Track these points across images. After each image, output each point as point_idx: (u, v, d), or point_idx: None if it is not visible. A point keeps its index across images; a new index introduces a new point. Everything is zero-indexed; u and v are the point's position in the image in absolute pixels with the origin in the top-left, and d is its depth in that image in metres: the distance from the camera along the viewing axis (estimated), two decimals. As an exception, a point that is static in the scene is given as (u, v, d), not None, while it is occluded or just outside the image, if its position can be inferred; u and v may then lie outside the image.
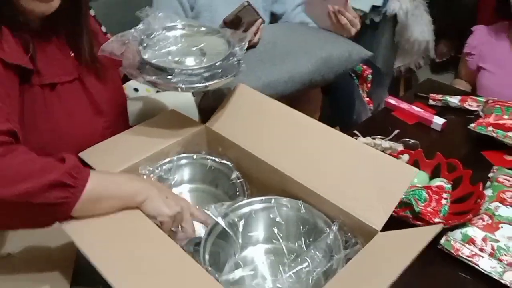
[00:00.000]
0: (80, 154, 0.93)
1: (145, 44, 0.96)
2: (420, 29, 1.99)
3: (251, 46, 1.31)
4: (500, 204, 0.99)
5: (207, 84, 0.91)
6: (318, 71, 1.29)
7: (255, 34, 1.31)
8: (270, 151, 0.92)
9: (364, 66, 1.78)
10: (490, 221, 0.95)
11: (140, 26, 0.96)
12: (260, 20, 1.32)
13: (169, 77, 0.90)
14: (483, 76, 1.74)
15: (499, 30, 1.74)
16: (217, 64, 0.93)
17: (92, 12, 1.54)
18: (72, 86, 0.92)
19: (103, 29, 1.55)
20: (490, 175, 1.13)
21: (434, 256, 0.95)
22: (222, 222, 0.81)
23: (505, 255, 0.90)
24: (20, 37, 0.83)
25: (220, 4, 1.46)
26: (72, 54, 0.94)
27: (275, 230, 0.88)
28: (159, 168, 0.95)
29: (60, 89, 0.90)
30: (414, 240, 0.72)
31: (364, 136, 1.26)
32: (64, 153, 0.74)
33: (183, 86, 0.89)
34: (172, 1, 1.45)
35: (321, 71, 1.30)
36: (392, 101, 1.44)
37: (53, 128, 0.88)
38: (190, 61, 0.97)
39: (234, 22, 1.28)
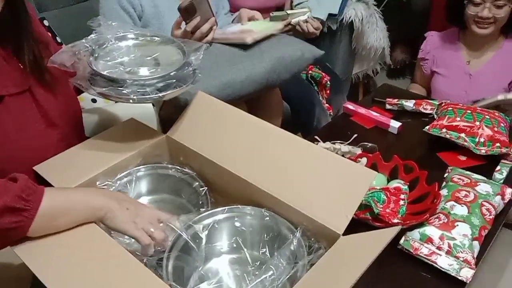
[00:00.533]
0: (36, 168, 0.90)
1: (96, 55, 0.93)
2: (376, 36, 2.05)
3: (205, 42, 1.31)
4: (455, 203, 1.02)
5: (160, 95, 0.89)
6: (273, 70, 1.29)
7: (207, 33, 1.31)
8: (232, 159, 0.92)
9: (323, 73, 1.82)
10: (446, 220, 0.98)
11: (92, 36, 0.93)
12: (213, 19, 1.32)
13: (120, 88, 0.87)
14: (437, 80, 1.81)
15: (451, 36, 1.82)
16: (171, 74, 0.91)
17: (46, 23, 1.50)
18: (22, 98, 0.89)
19: (58, 39, 1.52)
20: (445, 175, 1.17)
21: (395, 256, 0.97)
22: (185, 235, 0.80)
23: (461, 252, 0.93)
24: None
25: (166, 11, 1.46)
26: (21, 66, 0.91)
27: (239, 239, 0.88)
28: (118, 182, 0.93)
29: (8, 101, 0.87)
30: (374, 242, 0.73)
31: (324, 141, 1.28)
32: (16, 173, 0.72)
33: (135, 97, 0.86)
34: (119, 11, 1.43)
35: (276, 70, 1.31)
36: (351, 106, 1.47)
37: (4, 142, 0.84)
38: (143, 72, 0.95)
39: (189, 10, 1.26)
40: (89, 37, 0.93)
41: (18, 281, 0.82)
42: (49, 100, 0.94)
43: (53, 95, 0.95)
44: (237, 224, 0.88)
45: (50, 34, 1.50)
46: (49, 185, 0.86)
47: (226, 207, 0.87)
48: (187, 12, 1.27)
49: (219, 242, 0.88)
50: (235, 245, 0.88)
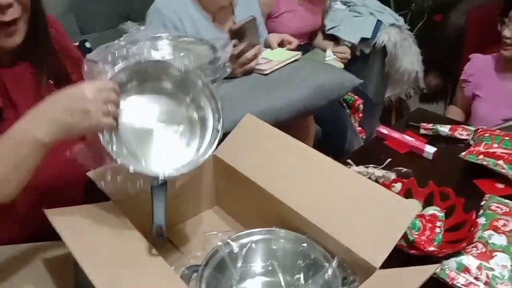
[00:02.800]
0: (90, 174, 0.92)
1: (129, 54, 0.91)
2: (409, 59, 2.05)
3: (248, 71, 1.33)
4: (493, 232, 1.00)
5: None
6: (312, 98, 1.31)
7: (252, 59, 1.33)
8: (272, 181, 0.93)
9: (356, 97, 1.82)
10: (484, 249, 0.96)
11: (124, 36, 0.95)
12: (259, 46, 1.35)
13: None
14: (478, 104, 1.77)
15: (495, 59, 1.77)
16: (204, 65, 0.92)
17: (87, 44, 1.57)
18: None
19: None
20: (482, 203, 1.14)
21: (429, 285, 0.94)
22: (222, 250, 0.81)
23: (500, 284, 0.90)
24: None
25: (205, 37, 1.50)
26: (52, 81, 0.94)
27: (274, 263, 0.88)
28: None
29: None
30: (412, 277, 0.71)
31: (357, 165, 1.27)
32: None
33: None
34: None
35: (315, 98, 1.33)
36: (384, 130, 1.46)
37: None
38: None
39: (238, 34, 1.30)
40: (121, 38, 0.94)
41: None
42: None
43: None
44: (274, 246, 0.88)
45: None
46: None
47: (264, 229, 0.88)
48: (236, 35, 1.30)
49: (254, 263, 0.88)
50: (270, 268, 0.88)
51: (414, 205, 0.81)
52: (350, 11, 2.09)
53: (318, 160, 0.94)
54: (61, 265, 0.88)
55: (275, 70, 1.34)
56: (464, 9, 2.30)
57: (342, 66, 1.88)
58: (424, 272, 0.69)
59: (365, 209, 0.83)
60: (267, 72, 1.31)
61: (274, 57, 1.40)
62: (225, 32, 1.47)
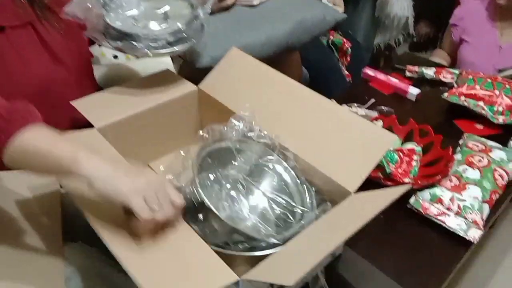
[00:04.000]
0: (73, 103, 0.94)
1: (108, 7, 0.95)
2: (400, 4, 2.02)
3: (226, 8, 1.31)
4: (468, 167, 1.03)
5: (175, 49, 0.91)
6: (294, 33, 1.29)
7: None
8: (255, 113, 0.93)
9: (344, 39, 1.80)
10: (458, 182, 1.00)
11: None
12: None
13: (134, 42, 0.90)
14: (465, 48, 1.76)
15: (486, 5, 1.75)
16: (181, 28, 0.93)
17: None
18: (24, 31, 0.92)
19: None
20: (460, 142, 1.17)
21: (404, 216, 0.99)
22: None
23: (470, 213, 0.94)
24: None
25: None
26: (23, 1, 0.92)
27: (254, 188, 0.91)
28: None
29: (10, 33, 0.89)
30: (382, 198, 0.74)
31: (341, 104, 1.28)
32: (24, 100, 0.68)
33: (150, 51, 0.89)
34: None
35: (298, 33, 1.30)
36: (370, 71, 1.46)
37: (10, 72, 0.87)
38: (154, 26, 0.97)
39: None
40: None
41: (50, 218, 0.86)
42: (54, 37, 0.97)
43: (58, 33, 0.97)
44: (254, 173, 0.90)
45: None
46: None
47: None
48: None
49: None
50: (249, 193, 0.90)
51: (391, 135, 0.83)
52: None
53: (300, 92, 0.96)
54: (45, 188, 0.90)
55: (264, 2, 1.31)
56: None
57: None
58: (394, 192, 0.72)
59: (344, 139, 0.85)
60: (256, 2, 1.29)
61: None
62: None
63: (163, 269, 0.61)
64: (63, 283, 0.76)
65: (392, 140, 0.82)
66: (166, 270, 0.61)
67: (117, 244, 0.65)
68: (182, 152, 0.85)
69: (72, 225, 0.87)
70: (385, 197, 0.71)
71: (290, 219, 0.82)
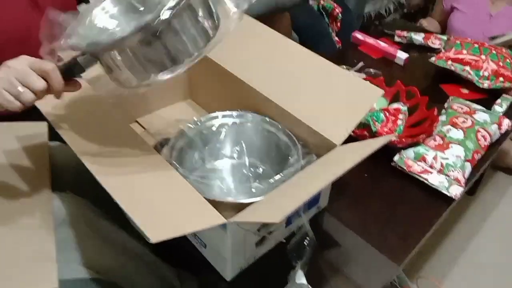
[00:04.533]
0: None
1: None
2: (392, -29, 2.01)
3: None
4: (452, 127, 1.05)
5: None
6: None
7: None
8: (244, 69, 0.94)
9: (335, 4, 1.79)
10: (441, 142, 1.02)
11: None
12: None
13: None
14: (455, 16, 1.77)
15: None
16: None
17: None
18: None
19: None
20: (445, 105, 1.19)
21: (388, 173, 1.01)
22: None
23: (453, 171, 0.97)
24: None
25: None
26: None
27: (243, 145, 0.92)
28: None
29: None
30: (364, 148, 0.76)
31: (329, 66, 1.29)
32: None
33: None
34: None
35: None
36: (359, 35, 1.47)
37: None
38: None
39: None
40: None
41: (37, 167, 0.86)
42: None
43: None
44: (242, 129, 0.91)
45: None
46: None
47: (234, 112, 0.91)
48: None
49: (222, 144, 0.92)
50: (238, 150, 0.92)
51: (377, 89, 0.84)
52: None
53: (289, 47, 0.96)
54: (33, 139, 0.90)
55: None
56: None
57: None
58: (376, 142, 0.73)
59: (331, 94, 0.86)
60: None
61: None
62: None
63: (155, 209, 0.63)
64: (52, 230, 0.77)
65: (379, 94, 0.83)
66: (158, 210, 0.62)
67: (109, 184, 0.65)
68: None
69: (60, 176, 0.88)
70: (367, 147, 0.73)
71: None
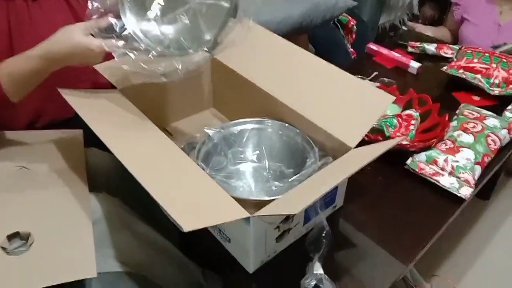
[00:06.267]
0: (97, 67, 1.00)
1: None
2: (405, -16, 2.08)
3: None
4: (462, 132, 1.10)
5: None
6: (308, 15, 1.39)
7: None
8: (265, 79, 1.01)
9: (350, 17, 1.86)
10: (452, 145, 1.07)
11: None
12: None
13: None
14: (466, 27, 1.82)
15: None
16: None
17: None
18: (54, 0, 0.99)
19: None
20: (457, 111, 1.24)
21: (402, 176, 1.06)
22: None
23: (463, 173, 1.02)
24: None
25: None
26: None
27: (263, 149, 0.99)
28: None
29: (42, 2, 0.97)
30: (377, 149, 0.82)
31: (345, 76, 1.35)
32: None
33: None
34: None
35: (311, 16, 1.40)
36: (373, 46, 1.53)
37: (39, 38, 0.93)
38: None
39: None
40: None
41: (75, 170, 0.94)
42: (81, 5, 1.02)
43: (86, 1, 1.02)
44: (263, 135, 0.98)
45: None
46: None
47: (255, 119, 0.98)
48: None
49: (246, 148, 0.99)
50: (258, 153, 0.98)
51: (388, 96, 0.90)
52: None
53: (306, 59, 1.03)
54: (70, 146, 0.99)
55: None
56: None
57: None
58: (387, 144, 0.79)
59: (346, 101, 0.93)
60: None
61: None
62: None
63: (186, 204, 0.69)
64: (91, 227, 0.84)
65: (390, 100, 0.89)
66: (189, 205, 0.69)
67: (145, 182, 0.72)
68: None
69: (95, 178, 0.96)
70: (379, 148, 0.79)
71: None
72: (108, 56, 0.86)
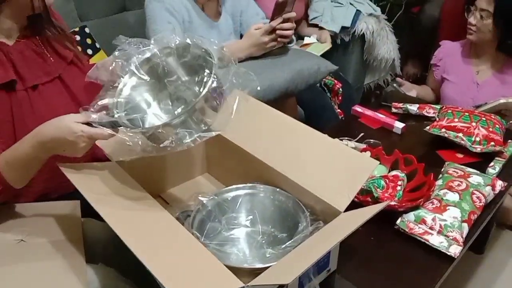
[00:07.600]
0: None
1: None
2: (386, 47, 2.19)
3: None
4: (448, 191, 1.14)
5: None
6: (292, 80, 1.46)
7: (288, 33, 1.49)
8: (256, 146, 1.05)
9: (336, 81, 1.95)
10: (439, 204, 1.10)
11: (117, 52, 0.96)
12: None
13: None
14: (446, 86, 1.91)
15: (463, 46, 1.91)
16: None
17: (87, 30, 1.68)
18: (53, 85, 1.04)
19: (97, 45, 1.69)
20: (442, 170, 1.29)
21: (392, 236, 1.09)
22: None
23: (451, 231, 1.04)
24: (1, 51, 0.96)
25: (198, 28, 1.60)
26: (52, 59, 1.05)
27: (256, 214, 1.02)
28: None
29: (42, 89, 1.02)
30: (366, 213, 0.85)
31: (333, 138, 1.40)
32: None
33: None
34: (165, 13, 1.52)
35: (295, 81, 1.48)
36: (359, 108, 1.60)
37: (39, 123, 0.94)
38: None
39: (283, 6, 1.41)
40: (116, 54, 0.96)
41: (71, 241, 0.96)
42: (79, 86, 1.08)
43: (80, 76, 1.07)
44: (255, 200, 1.01)
45: (90, 40, 1.68)
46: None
47: (247, 184, 1.02)
48: (280, 7, 1.41)
49: (238, 213, 1.02)
50: (251, 218, 1.01)
51: (373, 161, 0.94)
52: (331, 1, 2.23)
53: (294, 126, 1.08)
54: (68, 217, 1.01)
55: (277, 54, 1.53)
56: (439, 1, 2.45)
57: (329, 46, 2.04)
58: (375, 208, 0.83)
59: (333, 165, 0.97)
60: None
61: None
62: (213, 19, 1.60)
63: (181, 276, 0.71)
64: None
65: (375, 165, 0.93)
66: (183, 276, 0.71)
67: (141, 252, 0.74)
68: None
69: (92, 248, 0.97)
70: (367, 212, 0.82)
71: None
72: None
